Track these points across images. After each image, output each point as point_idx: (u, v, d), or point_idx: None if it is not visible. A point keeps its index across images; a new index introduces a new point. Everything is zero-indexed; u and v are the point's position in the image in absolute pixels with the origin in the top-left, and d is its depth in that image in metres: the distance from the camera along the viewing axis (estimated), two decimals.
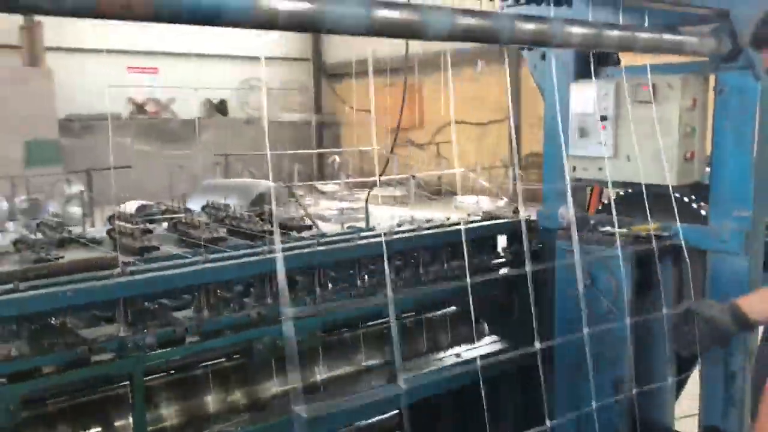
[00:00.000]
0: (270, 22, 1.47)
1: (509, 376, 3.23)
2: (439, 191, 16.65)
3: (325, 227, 10.24)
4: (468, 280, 2.16)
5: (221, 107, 20.70)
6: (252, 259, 2.61)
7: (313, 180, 17.18)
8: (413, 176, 12.16)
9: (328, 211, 13.35)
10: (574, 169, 3.09)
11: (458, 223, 3.39)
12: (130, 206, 11.33)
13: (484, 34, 1.84)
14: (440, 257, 3.22)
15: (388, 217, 11.71)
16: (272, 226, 3.94)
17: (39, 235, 3.64)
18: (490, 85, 16.48)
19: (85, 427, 2.38)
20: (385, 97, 13.76)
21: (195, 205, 10.66)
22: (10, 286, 2.24)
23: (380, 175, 15.74)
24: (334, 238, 2.99)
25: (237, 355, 2.67)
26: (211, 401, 2.62)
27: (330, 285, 2.88)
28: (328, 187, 15.96)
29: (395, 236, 3.10)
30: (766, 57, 2.60)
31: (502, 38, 1.87)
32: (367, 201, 6.06)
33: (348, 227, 4.13)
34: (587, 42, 2.05)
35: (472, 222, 3.42)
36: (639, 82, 2.79)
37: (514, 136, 13.45)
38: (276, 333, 2.55)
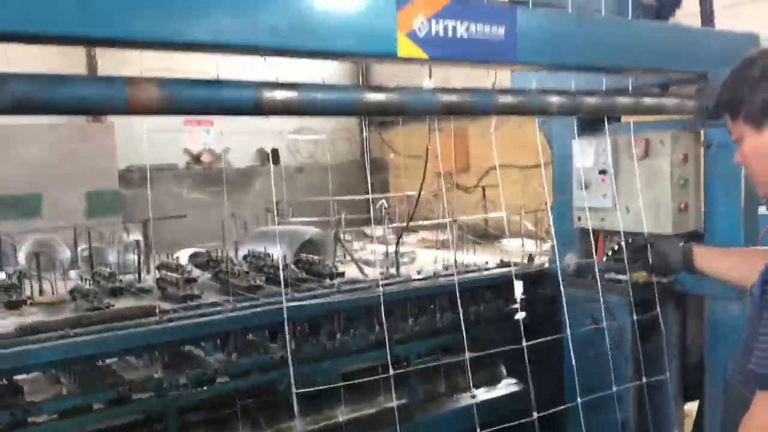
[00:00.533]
0: (273, 109, 1.75)
1: (526, 414, 3.38)
2: (485, 234, 16.77)
3: (369, 272, 10.51)
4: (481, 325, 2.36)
5: (274, 156, 21.34)
6: (273, 307, 2.87)
7: (361, 225, 17.50)
8: (455, 220, 12.34)
9: (374, 255, 13.58)
10: (579, 218, 3.29)
11: (475, 271, 3.62)
12: (184, 254, 11.83)
13: (468, 108, 2.10)
14: (458, 302, 3.43)
15: (431, 260, 11.91)
16: (307, 274, 4.22)
17: (94, 285, 4.00)
18: (535, 129, 16.61)
19: None
20: (431, 143, 14.05)
21: (246, 251, 10.99)
22: (63, 332, 2.56)
23: (424, 219, 16.01)
24: (355, 286, 3.24)
25: (263, 395, 2.92)
26: None
27: (351, 329, 3.12)
28: (376, 231, 16.23)
29: (412, 284, 3.34)
30: None
31: (486, 111, 2.12)
32: (397, 246, 6.29)
33: (381, 273, 4.38)
34: (565, 109, 2.28)
35: (488, 269, 3.63)
36: (634, 138, 2.99)
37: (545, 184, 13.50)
38: (297, 375, 2.79)
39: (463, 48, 1.95)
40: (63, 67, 13.39)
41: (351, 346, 3.04)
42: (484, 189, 19.56)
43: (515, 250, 13.89)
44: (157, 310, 2.83)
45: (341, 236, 13.51)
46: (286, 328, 1.99)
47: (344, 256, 12.67)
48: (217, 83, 1.65)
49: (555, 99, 2.24)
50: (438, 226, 15.24)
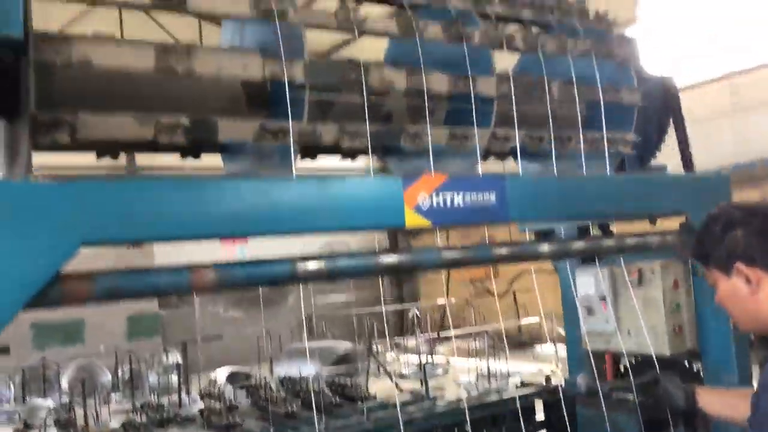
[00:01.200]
0: (305, 277, 2.14)
1: None
2: (519, 342, 16.77)
3: (404, 385, 10.64)
4: None
5: None
6: None
7: (393, 335, 17.64)
8: (486, 332, 12.52)
9: (407, 368, 13.69)
10: (587, 341, 3.57)
11: (500, 397, 3.88)
12: (221, 373, 12.06)
13: (470, 261, 2.47)
14: (482, 425, 3.67)
15: (464, 369, 11.99)
16: (340, 397, 4.51)
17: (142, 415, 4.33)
18: None
19: None
20: None
21: (282, 368, 11.29)
22: None
23: (457, 327, 16.14)
24: (380, 413, 3.52)
25: None
26: None
27: None
28: (409, 341, 16.37)
29: (436, 410, 3.61)
30: None
31: (485, 262, 2.49)
32: (424, 369, 6.53)
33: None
34: (556, 254, 2.64)
35: (504, 397, 3.89)
36: (628, 267, 3.32)
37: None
38: None
39: (461, 214, 2.33)
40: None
41: None
42: (515, 294, 19.66)
43: (549, 355, 13.91)
44: None
45: (374, 349, 13.69)
46: None
47: (378, 369, 12.81)
48: (256, 262, 2.05)
49: (545, 247, 2.61)
50: (470, 335, 15.36)
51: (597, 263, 3.12)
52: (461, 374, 12.12)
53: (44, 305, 1.70)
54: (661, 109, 3.37)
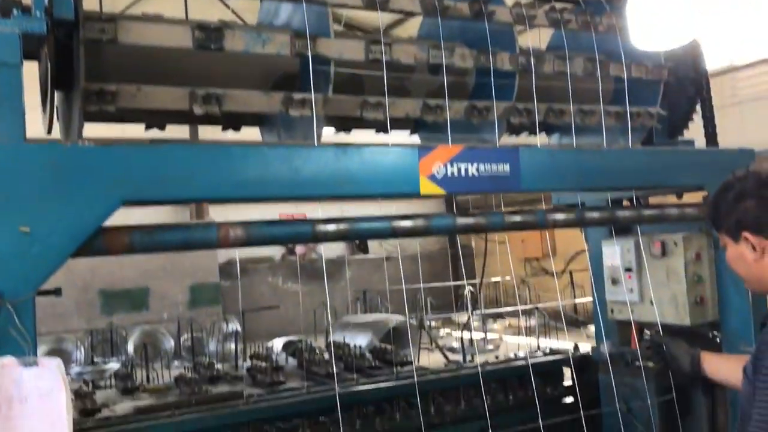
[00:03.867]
0: (323, 237, 2.33)
1: None
2: (574, 320, 16.72)
3: (453, 357, 10.82)
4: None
5: (363, 246, 22.13)
6: (330, 393, 3.36)
7: (448, 311, 17.82)
8: (536, 307, 12.55)
9: (457, 343, 13.85)
10: (612, 311, 3.67)
11: (525, 359, 4.02)
12: (278, 343, 12.44)
13: (483, 228, 2.62)
14: (509, 388, 3.82)
15: (516, 345, 12.09)
16: (379, 362, 4.70)
17: (194, 373, 4.64)
18: None
19: None
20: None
21: (336, 338, 11.52)
22: (169, 413, 3.17)
23: (510, 305, 16.20)
24: (409, 376, 3.71)
25: None
26: None
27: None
28: (462, 317, 16.50)
29: (466, 371, 3.78)
30: None
31: (496, 228, 2.63)
32: (461, 335, 6.68)
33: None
34: (570, 223, 2.76)
35: (535, 358, 4.02)
36: (652, 239, 3.41)
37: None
38: None
39: (475, 183, 2.48)
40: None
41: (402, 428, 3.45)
42: (571, 274, 19.52)
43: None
44: (244, 394, 3.40)
45: (426, 323, 13.89)
46: (339, 411, 2.52)
47: (430, 343, 13.02)
48: (281, 222, 2.25)
49: (560, 216, 2.73)
50: (522, 313, 15.41)
51: (614, 235, 3.21)
52: (512, 351, 12.22)
53: (88, 254, 1.94)
54: (690, 83, 3.41)
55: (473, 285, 20.21)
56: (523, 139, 3.30)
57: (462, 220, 2.54)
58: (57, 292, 1.88)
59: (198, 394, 3.76)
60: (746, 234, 2.10)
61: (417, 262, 20.42)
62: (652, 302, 3.46)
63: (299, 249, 21.16)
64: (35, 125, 2.16)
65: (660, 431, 3.25)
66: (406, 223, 2.45)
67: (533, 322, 15.67)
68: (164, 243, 2.06)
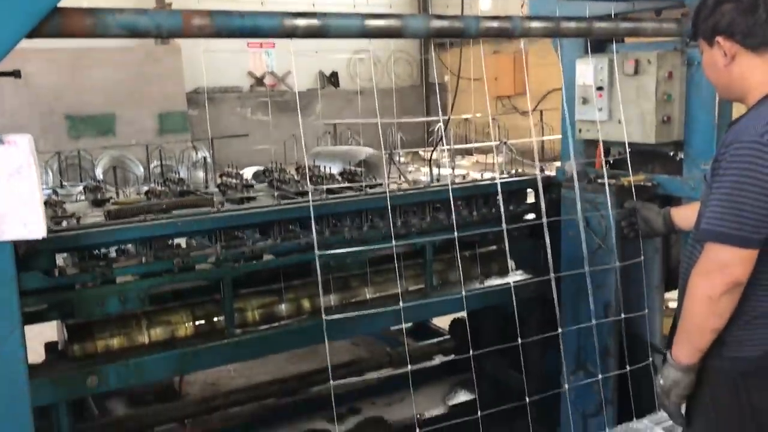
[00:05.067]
0: (292, 33, 2.26)
1: (532, 300, 3.89)
2: (542, 158, 16.99)
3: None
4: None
5: (333, 79, 21.78)
6: (304, 204, 3.44)
7: (418, 147, 17.95)
8: (504, 142, 12.68)
9: (426, 177, 14.06)
10: (580, 131, 3.71)
11: (493, 179, 4.11)
12: (248, 171, 12.54)
13: (456, 32, 2.55)
14: (474, 207, 3.92)
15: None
16: (348, 183, 4.76)
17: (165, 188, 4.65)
18: None
19: (192, 319, 3.32)
20: (490, 65, 14.24)
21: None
22: (142, 217, 3.22)
23: (481, 142, 16.35)
24: (378, 190, 3.78)
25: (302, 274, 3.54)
26: (283, 306, 3.50)
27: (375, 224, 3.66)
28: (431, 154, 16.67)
29: (434, 188, 3.85)
30: None
31: (471, 34, 2.57)
32: (430, 160, 6.81)
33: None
34: (546, 32, 2.71)
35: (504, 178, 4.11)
36: (626, 57, 3.38)
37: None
38: (330, 259, 3.40)
39: None
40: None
41: (370, 237, 3.57)
42: (541, 112, 19.57)
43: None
44: (214, 201, 3.45)
45: (395, 158, 14.01)
46: (312, 218, 2.59)
47: (399, 177, 13.20)
48: (251, 14, 2.17)
49: (536, 24, 2.67)
50: (490, 149, 15.58)
51: (590, 53, 3.17)
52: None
53: (45, 35, 1.86)
54: None
55: (444, 121, 20.24)
56: None
57: (437, 22, 2.47)
58: (16, 73, 1.82)
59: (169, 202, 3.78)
60: (719, 38, 2.13)
61: (391, 96, 20.29)
62: (620, 121, 3.49)
63: (268, 80, 20.77)
64: None
65: (618, 246, 3.40)
66: (379, 22, 2.38)
67: (501, 159, 15.90)
68: (128, 27, 1.97)
